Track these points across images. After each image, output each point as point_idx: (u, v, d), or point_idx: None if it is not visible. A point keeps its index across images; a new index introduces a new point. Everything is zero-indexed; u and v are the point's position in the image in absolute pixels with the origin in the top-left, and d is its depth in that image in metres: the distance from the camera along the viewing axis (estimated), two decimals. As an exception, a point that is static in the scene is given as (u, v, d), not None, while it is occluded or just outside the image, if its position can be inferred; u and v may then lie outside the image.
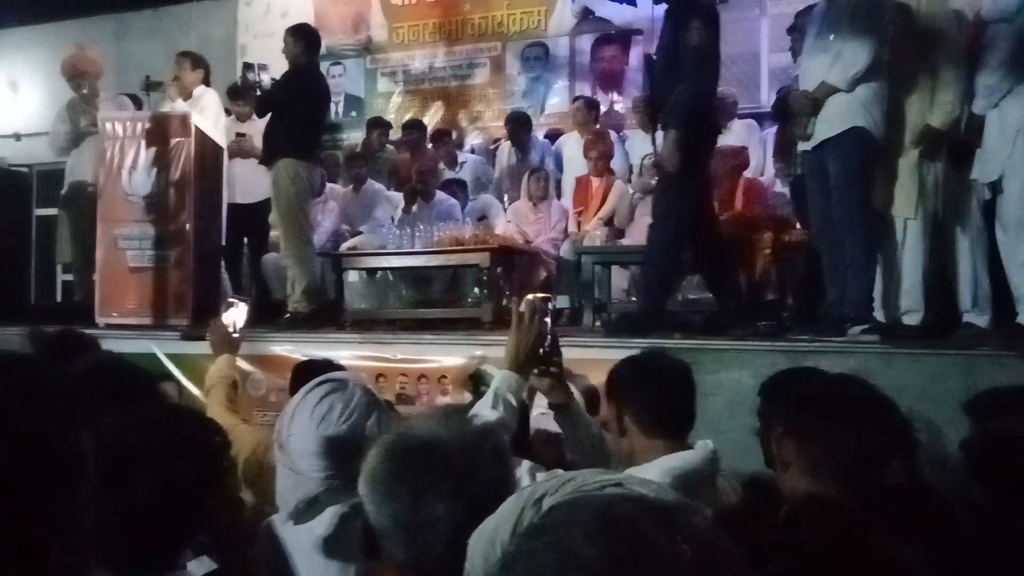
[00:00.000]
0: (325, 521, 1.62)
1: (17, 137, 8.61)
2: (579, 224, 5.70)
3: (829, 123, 3.63)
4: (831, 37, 3.65)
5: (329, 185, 6.05)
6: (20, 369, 0.68)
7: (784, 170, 5.09)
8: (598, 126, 6.21)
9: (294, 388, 2.69)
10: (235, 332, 2.91)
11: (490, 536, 0.76)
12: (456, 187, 6.24)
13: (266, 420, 4.18)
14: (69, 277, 6.64)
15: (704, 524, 0.67)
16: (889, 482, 1.52)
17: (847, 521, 1.35)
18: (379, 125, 6.93)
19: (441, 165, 6.52)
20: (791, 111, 3.91)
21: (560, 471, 0.77)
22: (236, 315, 2.97)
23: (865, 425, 1.47)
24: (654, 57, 4.26)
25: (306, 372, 2.69)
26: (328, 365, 2.68)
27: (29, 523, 0.58)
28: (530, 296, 1.96)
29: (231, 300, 3.14)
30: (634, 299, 5.17)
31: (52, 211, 6.52)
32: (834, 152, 3.64)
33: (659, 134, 4.13)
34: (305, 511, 1.62)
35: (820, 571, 1.15)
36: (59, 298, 7.66)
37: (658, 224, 4.07)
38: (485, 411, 1.76)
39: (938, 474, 2.24)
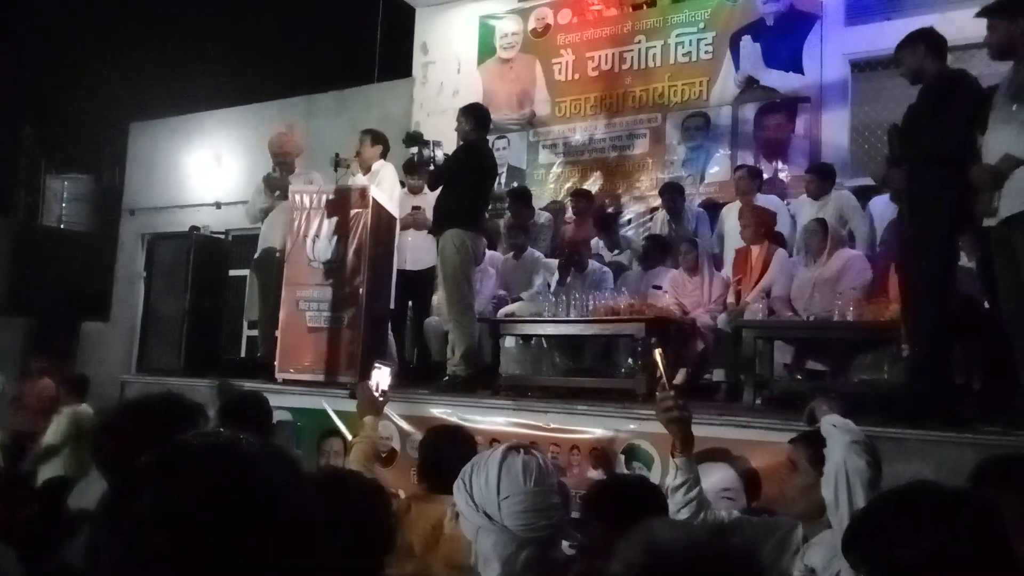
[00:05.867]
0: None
1: (218, 205, 9.61)
2: (738, 295, 5.55)
3: (1015, 198, 3.40)
4: (1014, 107, 3.43)
5: (489, 253, 6.28)
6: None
7: (968, 245, 4.71)
8: (758, 195, 6.08)
9: (424, 451, 2.86)
10: (379, 394, 3.07)
11: None
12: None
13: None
14: (254, 332, 7.22)
15: None
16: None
17: None
18: (519, 196, 6.94)
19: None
20: (972, 185, 3.66)
21: None
22: (380, 378, 3.12)
23: None
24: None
25: (441, 437, 2.87)
26: (459, 431, 2.79)
27: None
28: None
29: (376, 364, 3.29)
30: (799, 377, 4.92)
31: (244, 272, 7.20)
32: (1022, 228, 3.37)
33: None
34: (514, 566, 1.68)
35: None
36: (243, 352, 8.33)
37: (926, 295, 3.78)
38: None
39: None
